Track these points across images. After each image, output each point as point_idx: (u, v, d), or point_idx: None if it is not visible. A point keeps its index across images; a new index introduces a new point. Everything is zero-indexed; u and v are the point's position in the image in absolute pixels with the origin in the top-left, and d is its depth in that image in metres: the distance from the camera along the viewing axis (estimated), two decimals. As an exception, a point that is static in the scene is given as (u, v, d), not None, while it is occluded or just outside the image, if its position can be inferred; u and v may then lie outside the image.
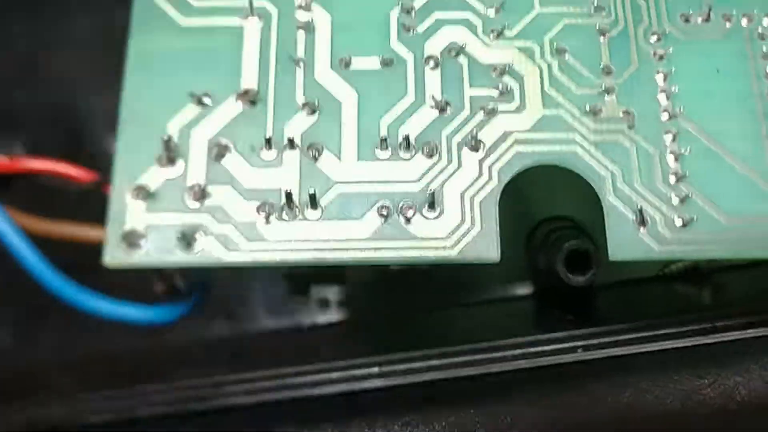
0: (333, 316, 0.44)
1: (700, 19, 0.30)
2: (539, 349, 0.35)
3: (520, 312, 0.42)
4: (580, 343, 0.34)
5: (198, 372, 0.37)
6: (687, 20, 0.30)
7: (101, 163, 0.34)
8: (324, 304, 0.44)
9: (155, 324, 0.32)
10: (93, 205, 0.31)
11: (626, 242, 0.28)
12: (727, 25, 0.30)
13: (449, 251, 0.27)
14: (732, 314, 0.32)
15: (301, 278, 0.34)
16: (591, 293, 0.41)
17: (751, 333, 0.31)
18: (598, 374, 0.32)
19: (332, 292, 0.44)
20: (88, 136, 0.41)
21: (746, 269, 0.38)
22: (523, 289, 0.42)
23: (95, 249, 0.28)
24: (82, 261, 0.29)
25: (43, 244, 0.31)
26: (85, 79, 0.42)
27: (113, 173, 0.28)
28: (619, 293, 0.40)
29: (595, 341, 0.34)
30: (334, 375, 0.35)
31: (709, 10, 0.30)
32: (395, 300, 0.44)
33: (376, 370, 0.36)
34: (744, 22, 0.30)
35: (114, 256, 0.27)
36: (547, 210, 0.36)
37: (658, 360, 0.32)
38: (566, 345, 0.35)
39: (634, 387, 0.31)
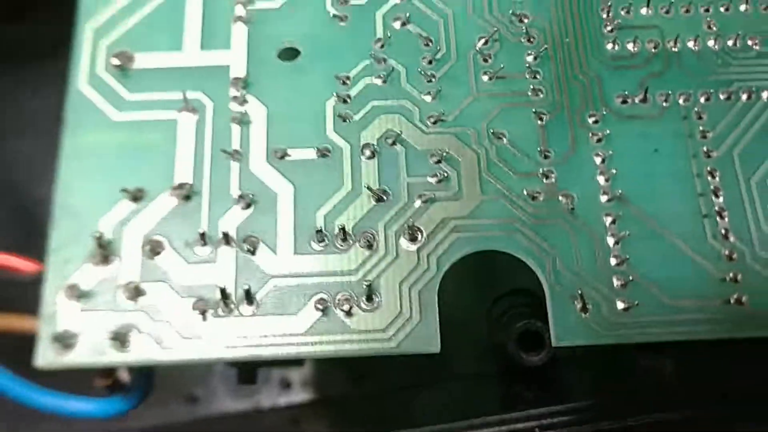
0: (295, 397, 0.43)
1: (637, 100, 0.30)
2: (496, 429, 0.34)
3: (485, 389, 0.41)
4: (535, 423, 0.34)
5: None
6: (624, 101, 0.30)
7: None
8: (285, 384, 0.43)
9: (103, 417, 0.31)
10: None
11: (570, 327, 0.27)
12: (665, 104, 0.30)
13: (387, 343, 0.27)
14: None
15: (248, 365, 0.33)
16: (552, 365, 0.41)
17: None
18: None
19: (294, 373, 0.44)
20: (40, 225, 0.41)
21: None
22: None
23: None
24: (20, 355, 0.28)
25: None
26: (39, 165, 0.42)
27: (45, 272, 0.27)
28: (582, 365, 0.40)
29: (554, 420, 0.33)
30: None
31: (646, 90, 0.30)
32: (359, 380, 0.43)
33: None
34: (681, 100, 0.30)
35: (46, 357, 0.26)
36: (511, 280, 0.35)
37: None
38: (522, 426, 0.34)
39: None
